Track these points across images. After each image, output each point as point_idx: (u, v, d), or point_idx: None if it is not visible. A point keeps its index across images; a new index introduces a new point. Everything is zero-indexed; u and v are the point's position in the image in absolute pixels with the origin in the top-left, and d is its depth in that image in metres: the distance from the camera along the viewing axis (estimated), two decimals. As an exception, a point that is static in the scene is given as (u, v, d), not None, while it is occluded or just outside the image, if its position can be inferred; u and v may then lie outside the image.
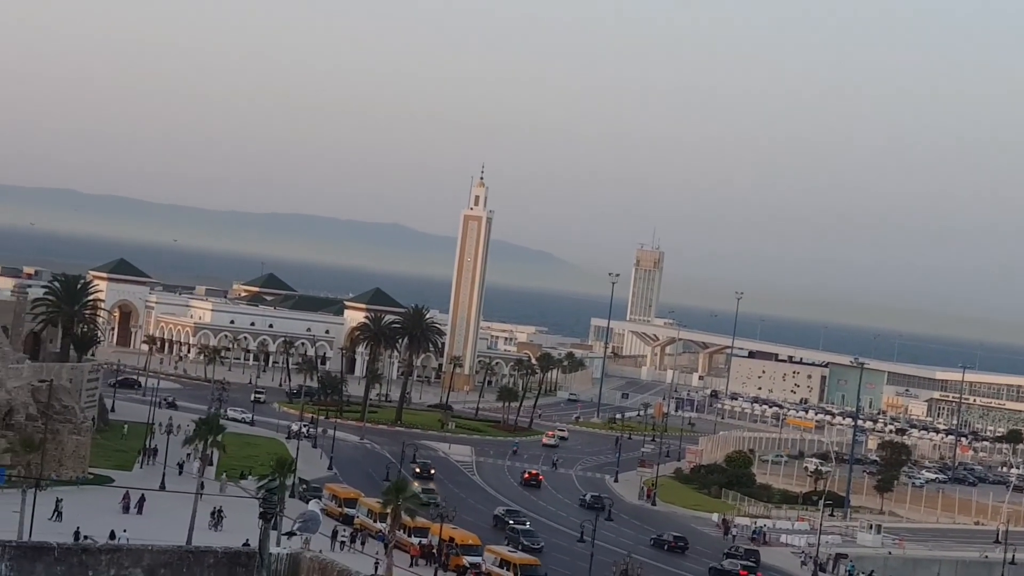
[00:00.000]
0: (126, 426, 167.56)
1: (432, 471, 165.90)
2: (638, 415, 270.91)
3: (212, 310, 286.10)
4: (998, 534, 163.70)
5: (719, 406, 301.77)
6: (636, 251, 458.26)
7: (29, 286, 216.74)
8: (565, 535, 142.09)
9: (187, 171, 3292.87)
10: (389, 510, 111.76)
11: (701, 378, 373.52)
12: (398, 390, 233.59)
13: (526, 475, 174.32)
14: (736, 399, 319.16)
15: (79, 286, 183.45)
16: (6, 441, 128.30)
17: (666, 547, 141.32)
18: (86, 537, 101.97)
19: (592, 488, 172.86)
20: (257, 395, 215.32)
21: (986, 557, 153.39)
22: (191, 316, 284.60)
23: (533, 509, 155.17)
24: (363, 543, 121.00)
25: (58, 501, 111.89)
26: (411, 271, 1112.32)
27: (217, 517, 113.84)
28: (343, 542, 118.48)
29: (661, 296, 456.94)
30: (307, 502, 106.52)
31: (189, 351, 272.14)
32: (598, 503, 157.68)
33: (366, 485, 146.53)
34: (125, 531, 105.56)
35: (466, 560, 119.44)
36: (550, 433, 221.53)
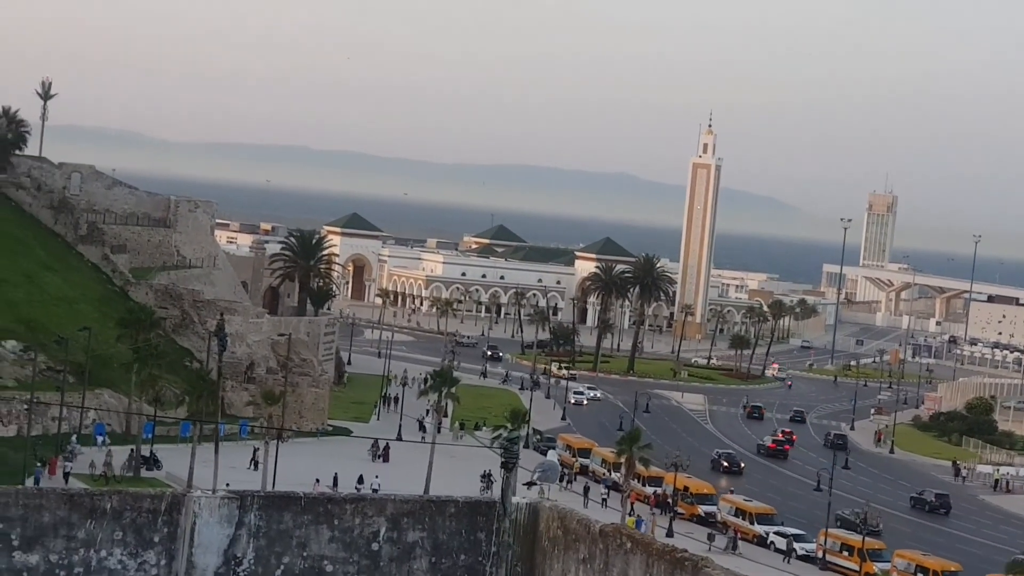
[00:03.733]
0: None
1: (742, 464, 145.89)
2: (873, 362, 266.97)
3: (443, 263, 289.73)
4: None
5: (958, 352, 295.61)
6: (868, 195, 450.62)
7: (266, 242, 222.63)
8: (801, 483, 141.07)
9: (414, 125, 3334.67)
10: (623, 459, 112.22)
11: (938, 324, 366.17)
12: (630, 339, 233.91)
13: (771, 444, 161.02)
14: (975, 344, 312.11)
15: (314, 241, 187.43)
16: (248, 394, 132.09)
17: (927, 508, 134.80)
18: (335, 483, 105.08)
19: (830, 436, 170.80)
20: (492, 350, 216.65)
21: None
22: (423, 269, 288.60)
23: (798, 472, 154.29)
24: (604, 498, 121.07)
25: (255, 451, 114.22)
26: (640, 220, 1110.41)
27: (487, 481, 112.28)
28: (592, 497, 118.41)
29: (895, 241, 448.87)
30: (544, 453, 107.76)
31: (422, 304, 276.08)
32: (840, 441, 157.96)
33: (600, 435, 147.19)
34: (377, 476, 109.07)
35: (701, 509, 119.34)
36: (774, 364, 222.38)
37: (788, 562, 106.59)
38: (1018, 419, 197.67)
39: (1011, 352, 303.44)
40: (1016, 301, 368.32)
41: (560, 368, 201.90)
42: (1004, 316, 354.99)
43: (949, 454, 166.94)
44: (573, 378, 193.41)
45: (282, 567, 28.93)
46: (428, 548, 33.26)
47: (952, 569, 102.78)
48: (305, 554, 29.31)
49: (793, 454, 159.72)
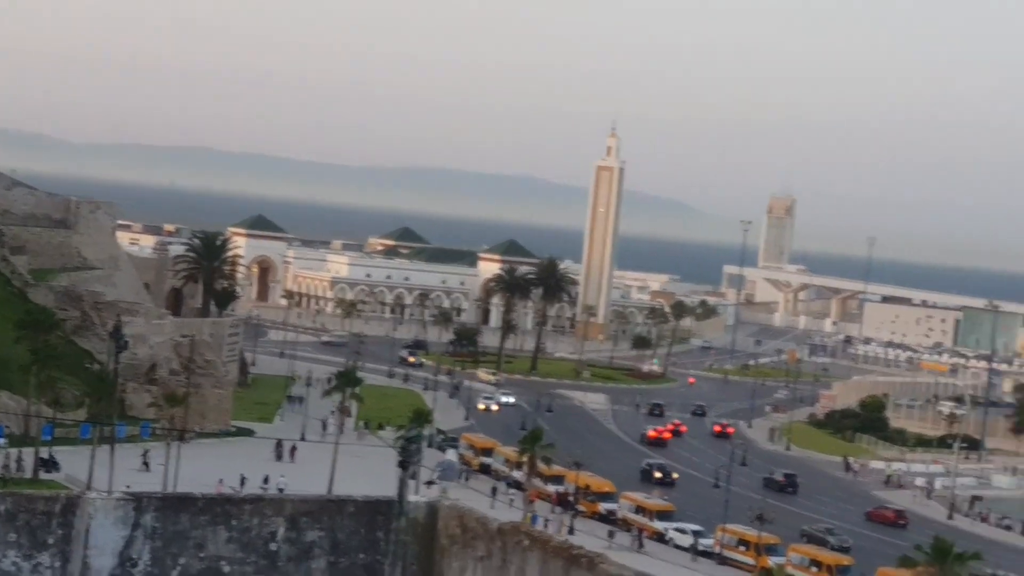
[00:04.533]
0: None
1: (675, 475, 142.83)
2: (771, 361, 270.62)
3: (349, 264, 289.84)
4: None
5: (852, 351, 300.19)
6: (768, 198, 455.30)
7: (170, 243, 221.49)
8: (700, 481, 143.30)
9: (321, 127, 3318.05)
10: (525, 458, 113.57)
11: (834, 324, 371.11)
12: (532, 340, 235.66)
13: (651, 433, 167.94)
14: (869, 344, 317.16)
15: (218, 242, 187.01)
16: (150, 396, 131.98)
17: (777, 487, 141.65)
18: (242, 483, 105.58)
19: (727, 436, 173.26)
20: (411, 353, 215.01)
21: None
22: (328, 270, 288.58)
23: (669, 456, 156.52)
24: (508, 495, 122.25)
25: (145, 452, 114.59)
26: (544, 222, 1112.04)
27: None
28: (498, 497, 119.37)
29: (793, 242, 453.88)
30: (445, 452, 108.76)
31: (326, 305, 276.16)
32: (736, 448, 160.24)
33: (503, 435, 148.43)
34: (283, 476, 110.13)
35: (602, 507, 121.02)
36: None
37: (695, 560, 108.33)
38: (909, 416, 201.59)
39: (903, 351, 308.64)
40: (909, 301, 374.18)
41: (482, 370, 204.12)
42: (897, 316, 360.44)
43: (843, 451, 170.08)
44: (498, 384, 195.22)
45: (178, 568, 29.34)
46: (326, 547, 33.85)
47: (844, 563, 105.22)
48: (202, 555, 29.75)
49: (684, 446, 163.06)
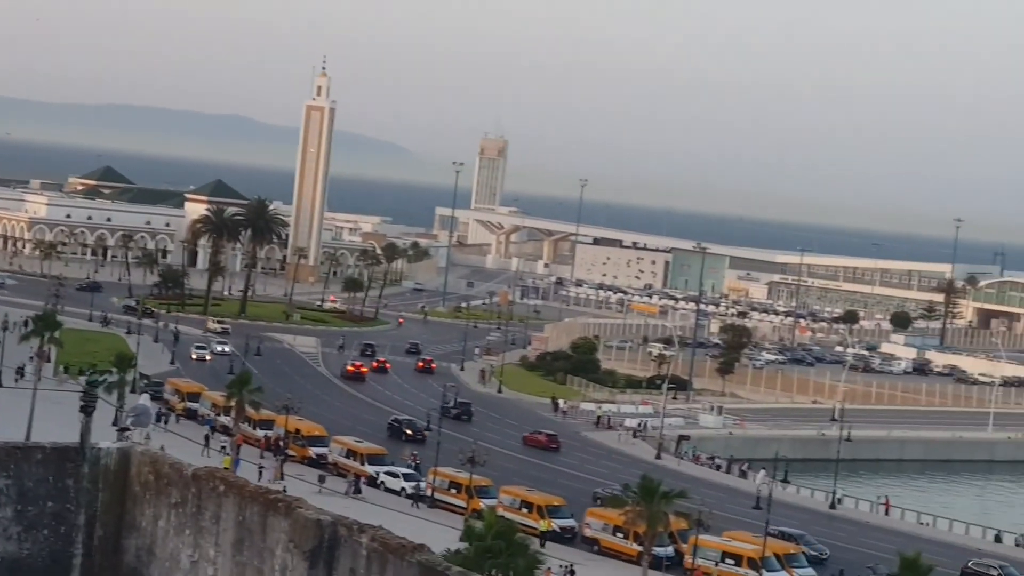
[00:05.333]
0: None
1: (426, 432, 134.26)
2: (483, 303, 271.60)
3: (47, 204, 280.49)
4: (834, 412, 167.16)
5: (564, 293, 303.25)
6: (480, 140, 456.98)
7: None
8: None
9: (19, 62, 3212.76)
10: (233, 403, 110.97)
11: (546, 266, 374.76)
12: (242, 283, 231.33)
13: (349, 368, 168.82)
14: (581, 286, 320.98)
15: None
16: None
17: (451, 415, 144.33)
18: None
19: (442, 378, 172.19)
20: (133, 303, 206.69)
21: (823, 435, 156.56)
22: (26, 211, 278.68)
23: (365, 391, 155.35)
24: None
25: None
26: (253, 163, 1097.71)
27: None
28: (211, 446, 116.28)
29: (506, 184, 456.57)
30: (154, 398, 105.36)
31: (24, 247, 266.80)
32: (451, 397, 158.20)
33: (209, 379, 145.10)
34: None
35: (312, 451, 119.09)
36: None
37: (417, 506, 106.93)
38: (620, 358, 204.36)
39: (615, 293, 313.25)
40: (620, 243, 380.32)
41: (211, 319, 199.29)
42: (608, 258, 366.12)
43: (555, 393, 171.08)
44: (226, 331, 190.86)
45: None
46: (13, 496, 31.96)
47: (555, 503, 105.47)
48: None
49: (385, 382, 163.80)
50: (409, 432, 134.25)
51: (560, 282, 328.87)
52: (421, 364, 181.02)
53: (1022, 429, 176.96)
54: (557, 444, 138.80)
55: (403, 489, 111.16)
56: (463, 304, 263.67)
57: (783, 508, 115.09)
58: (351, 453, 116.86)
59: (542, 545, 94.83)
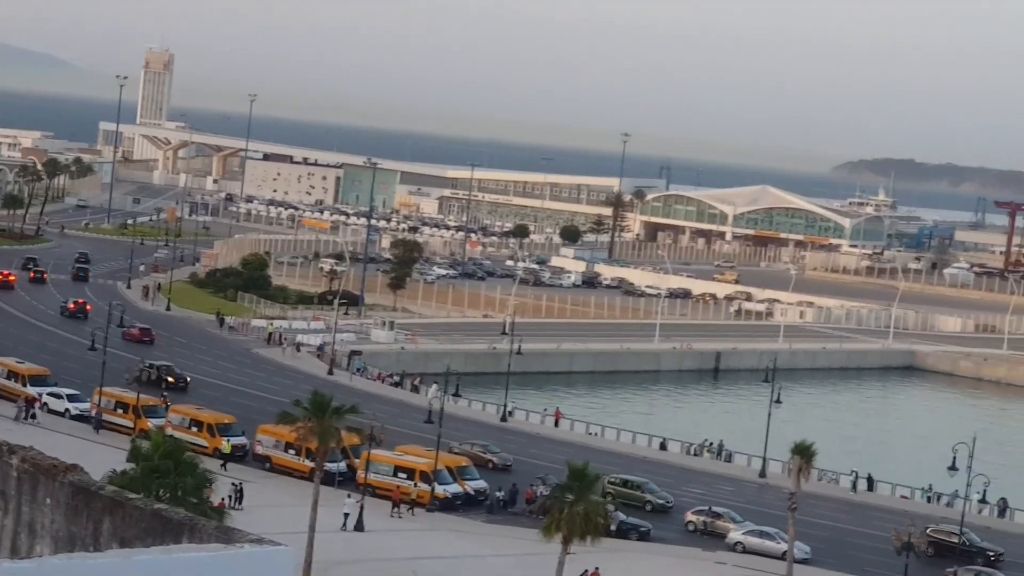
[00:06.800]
0: None
1: (187, 378, 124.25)
2: (151, 220, 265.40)
3: None
4: (505, 326, 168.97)
5: (234, 209, 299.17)
6: (145, 53, 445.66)
7: None
8: (75, 344, 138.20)
9: None
10: None
11: (216, 182, 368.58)
12: None
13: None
14: (251, 202, 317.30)
15: None
16: None
17: (67, 314, 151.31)
18: None
19: (107, 296, 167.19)
20: None
21: (494, 348, 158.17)
22: None
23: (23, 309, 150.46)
24: None
25: None
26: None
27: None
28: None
29: (173, 99, 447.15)
30: None
31: None
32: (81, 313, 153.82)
33: None
34: None
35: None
36: None
37: (98, 431, 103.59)
38: (291, 274, 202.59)
39: (285, 209, 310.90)
40: (290, 159, 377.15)
41: None
42: (279, 174, 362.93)
43: (226, 310, 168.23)
44: None
45: None
46: None
47: (226, 421, 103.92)
48: None
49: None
50: (171, 379, 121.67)
51: (230, 198, 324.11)
52: (33, 275, 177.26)
53: (687, 340, 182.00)
54: (151, 337, 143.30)
55: (67, 411, 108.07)
56: (129, 221, 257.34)
57: (455, 422, 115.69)
58: (11, 374, 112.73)
59: (224, 467, 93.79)
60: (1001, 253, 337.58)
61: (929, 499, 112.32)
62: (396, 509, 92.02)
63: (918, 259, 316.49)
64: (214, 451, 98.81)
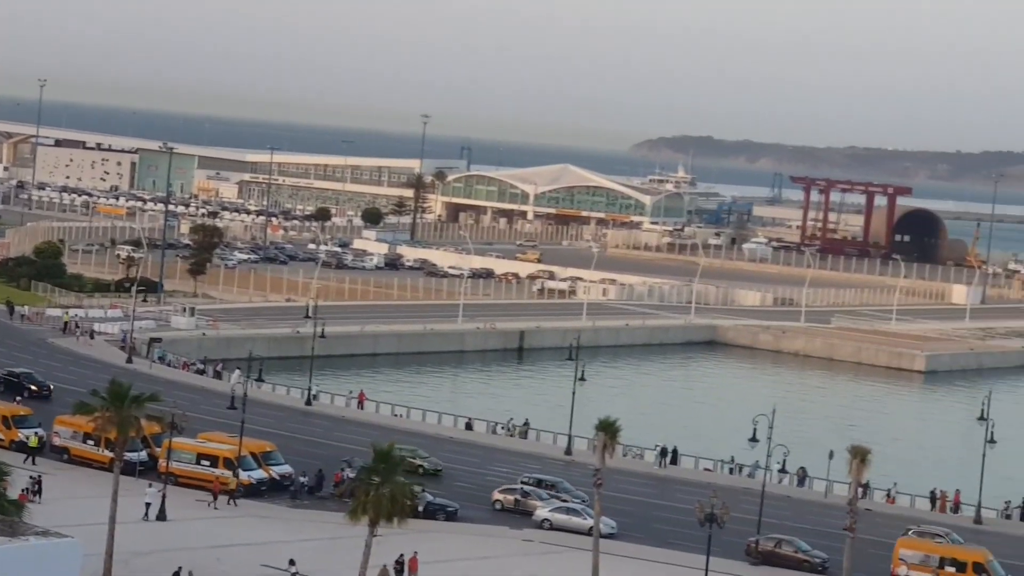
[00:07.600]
0: None
1: (51, 386, 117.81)
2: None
3: None
4: (308, 309, 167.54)
5: (26, 197, 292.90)
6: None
7: None
8: None
9: None
10: None
11: (6, 169, 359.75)
12: None
13: None
14: (44, 189, 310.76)
15: None
16: None
17: None
18: None
19: None
20: None
21: (297, 332, 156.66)
22: None
23: None
24: None
25: None
26: None
27: None
28: None
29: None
30: None
31: None
32: None
33: None
34: None
35: None
36: None
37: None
38: (87, 262, 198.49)
39: (79, 196, 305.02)
40: (83, 145, 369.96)
41: None
42: (72, 160, 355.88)
43: (20, 299, 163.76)
44: None
45: None
46: None
47: (22, 413, 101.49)
48: None
49: None
50: (33, 387, 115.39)
51: (21, 185, 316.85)
52: None
53: (490, 319, 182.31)
54: None
55: None
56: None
57: (259, 407, 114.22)
58: None
59: (32, 461, 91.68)
60: (797, 227, 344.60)
61: (731, 471, 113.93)
62: (214, 501, 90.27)
63: (718, 235, 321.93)
64: (11, 443, 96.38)
